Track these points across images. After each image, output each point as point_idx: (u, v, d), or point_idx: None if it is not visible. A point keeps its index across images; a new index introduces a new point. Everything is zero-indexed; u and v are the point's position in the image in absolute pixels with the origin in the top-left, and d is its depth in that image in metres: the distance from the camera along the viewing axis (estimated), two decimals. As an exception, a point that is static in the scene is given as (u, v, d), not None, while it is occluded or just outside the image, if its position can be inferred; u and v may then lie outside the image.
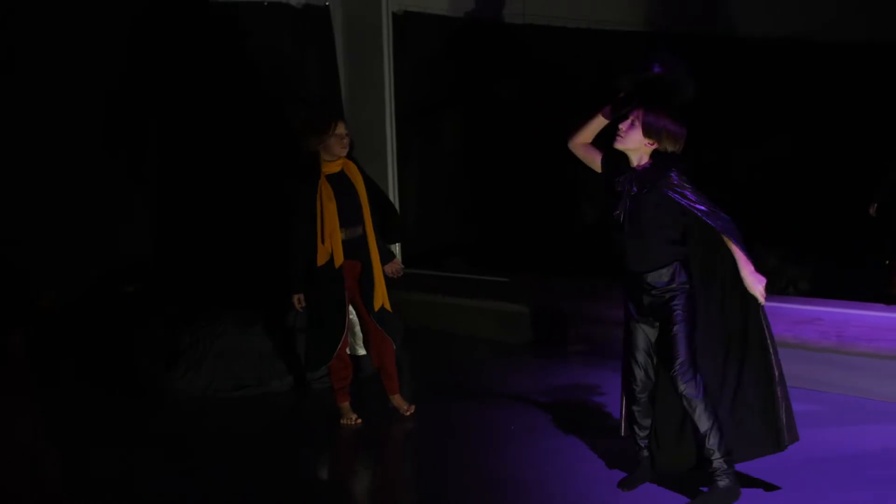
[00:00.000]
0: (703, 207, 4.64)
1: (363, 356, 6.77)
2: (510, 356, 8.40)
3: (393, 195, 10.75)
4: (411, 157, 10.96)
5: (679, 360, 4.62)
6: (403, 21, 11.01)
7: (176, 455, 6.09)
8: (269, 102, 10.24)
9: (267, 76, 10.29)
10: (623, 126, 4.74)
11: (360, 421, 6.42)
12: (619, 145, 4.77)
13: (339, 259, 6.14)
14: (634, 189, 4.73)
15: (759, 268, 4.76)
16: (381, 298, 6.32)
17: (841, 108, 12.43)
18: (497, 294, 9.28)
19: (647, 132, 4.70)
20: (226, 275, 9.53)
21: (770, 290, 4.88)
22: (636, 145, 4.75)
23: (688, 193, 4.67)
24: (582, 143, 5.02)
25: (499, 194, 11.78)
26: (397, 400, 6.55)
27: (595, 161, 4.98)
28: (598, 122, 4.94)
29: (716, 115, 11.77)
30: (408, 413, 6.47)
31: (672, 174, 4.69)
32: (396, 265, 6.49)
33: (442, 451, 5.91)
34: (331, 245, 6.13)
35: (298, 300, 6.22)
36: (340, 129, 6.17)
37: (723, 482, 4.65)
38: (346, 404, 6.46)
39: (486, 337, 8.90)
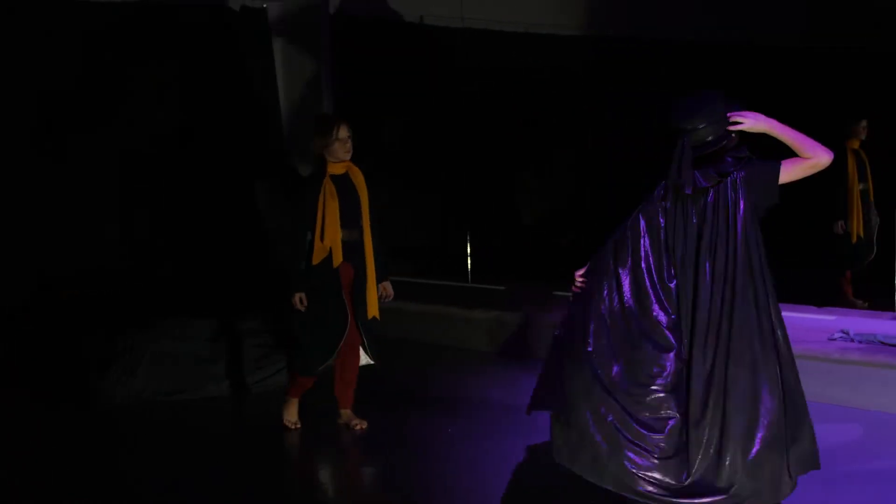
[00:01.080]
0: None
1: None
2: (464, 362, 8.45)
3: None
4: (352, 160, 10.95)
5: None
6: (342, 24, 11.01)
7: (114, 462, 6.01)
8: (208, 105, 10.19)
9: (204, 79, 10.24)
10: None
11: (299, 426, 6.37)
12: None
13: (339, 258, 6.03)
14: None
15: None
16: (373, 307, 6.18)
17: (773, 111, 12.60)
18: (447, 299, 9.33)
19: None
20: (166, 280, 9.48)
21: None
22: None
23: None
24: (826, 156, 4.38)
25: (441, 197, 11.83)
26: (348, 415, 6.40)
27: None
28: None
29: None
30: (358, 428, 6.31)
31: None
32: (388, 289, 6.29)
33: (384, 457, 5.93)
34: (330, 244, 6.03)
35: (300, 299, 6.05)
36: (343, 132, 6.09)
37: None
38: (295, 400, 6.38)
39: (437, 342, 8.95)
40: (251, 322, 7.92)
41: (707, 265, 4.34)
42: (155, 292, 9.07)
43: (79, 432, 6.66)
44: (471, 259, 11.05)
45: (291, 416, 6.41)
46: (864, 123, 8.99)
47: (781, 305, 4.49)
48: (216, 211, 10.12)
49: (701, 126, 4.37)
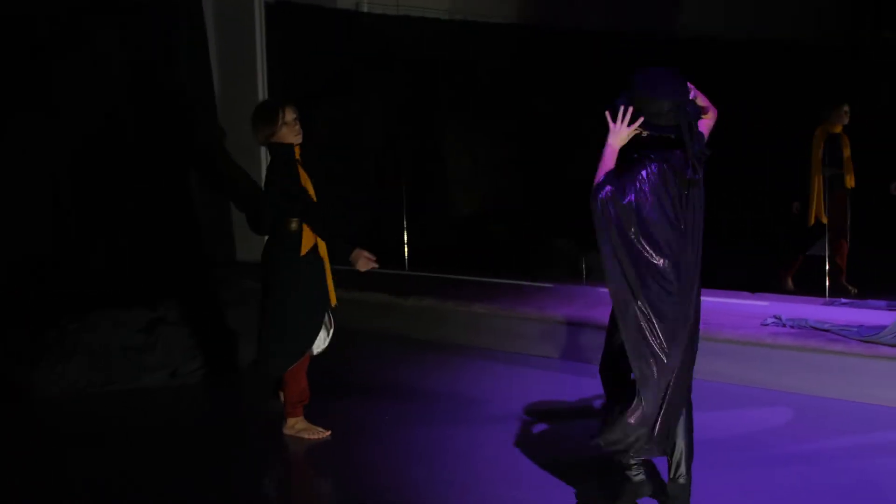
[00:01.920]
0: None
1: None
2: (402, 351, 8.44)
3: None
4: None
5: None
6: (276, 10, 10.92)
7: (51, 458, 5.87)
8: (139, 91, 10.04)
9: (135, 64, 10.09)
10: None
11: (329, 433, 5.96)
12: None
13: (324, 247, 5.77)
14: None
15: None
16: (333, 294, 5.97)
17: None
18: (389, 288, 9.30)
19: None
20: (96, 271, 9.34)
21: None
22: None
23: None
24: None
25: (374, 187, 11.80)
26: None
27: None
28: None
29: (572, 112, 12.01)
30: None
31: None
32: (362, 253, 5.81)
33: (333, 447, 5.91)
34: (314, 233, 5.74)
35: (367, 255, 5.71)
36: (290, 115, 5.75)
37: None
38: (300, 418, 5.96)
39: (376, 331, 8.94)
40: (183, 312, 7.84)
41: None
42: (85, 283, 8.92)
43: (11, 427, 6.52)
44: (408, 247, 11.04)
45: (308, 427, 5.97)
46: (845, 108, 8.99)
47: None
48: (146, 199, 9.98)
49: (692, 96, 4.39)
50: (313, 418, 6.00)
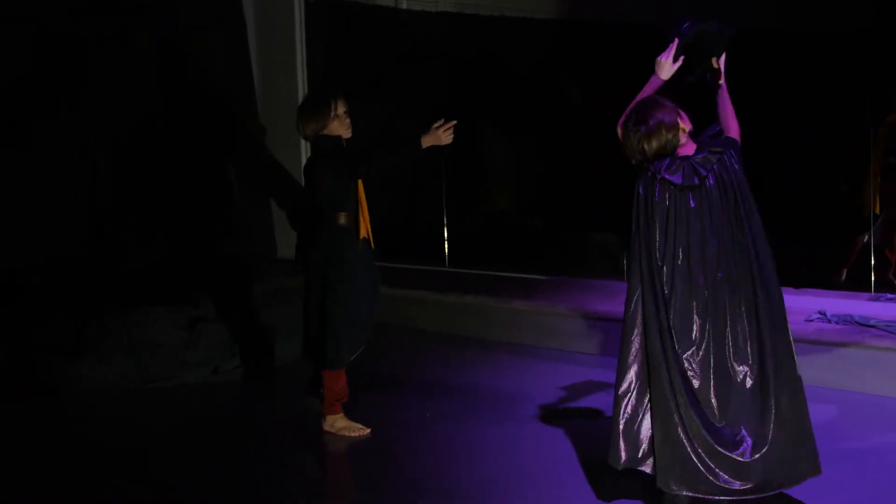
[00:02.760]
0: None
1: None
2: (441, 346, 8.44)
3: (306, 183, 10.69)
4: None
5: None
6: (316, 6, 10.94)
7: (96, 453, 5.90)
8: (177, 89, 10.10)
9: (174, 62, 10.14)
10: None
11: (369, 431, 5.93)
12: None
13: (372, 242, 5.75)
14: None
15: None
16: None
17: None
18: (430, 285, 9.30)
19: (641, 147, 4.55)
20: (137, 268, 9.40)
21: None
22: None
23: None
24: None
25: (416, 183, 11.80)
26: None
27: None
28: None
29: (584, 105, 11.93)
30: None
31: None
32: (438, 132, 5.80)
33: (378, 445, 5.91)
34: (367, 226, 5.70)
35: (444, 129, 5.61)
36: (341, 107, 5.67)
37: None
38: (340, 415, 5.90)
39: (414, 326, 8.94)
40: (224, 309, 7.86)
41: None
42: (125, 280, 8.98)
43: (49, 421, 6.57)
44: (448, 244, 11.02)
45: (348, 425, 5.92)
46: None
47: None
48: (186, 197, 10.03)
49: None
50: (354, 415, 6.00)
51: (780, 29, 12.70)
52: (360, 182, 5.68)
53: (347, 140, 5.77)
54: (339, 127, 5.68)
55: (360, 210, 5.68)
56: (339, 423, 5.92)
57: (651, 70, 4.74)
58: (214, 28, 10.57)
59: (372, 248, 5.75)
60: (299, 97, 10.60)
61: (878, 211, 8.86)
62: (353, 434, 5.88)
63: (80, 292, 8.34)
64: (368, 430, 5.92)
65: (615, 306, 7.85)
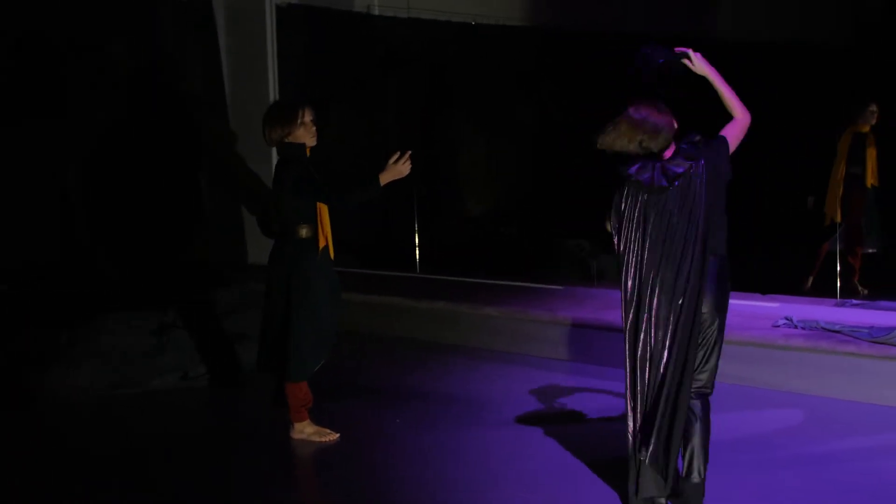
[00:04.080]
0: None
1: None
2: (411, 353, 8.45)
3: (277, 190, 10.69)
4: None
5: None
6: (287, 13, 10.95)
7: (68, 461, 5.87)
8: (148, 96, 10.08)
9: (145, 68, 10.13)
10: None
11: (338, 436, 5.94)
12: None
13: (332, 251, 5.77)
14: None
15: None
16: None
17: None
18: (401, 291, 9.31)
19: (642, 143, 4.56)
20: (106, 274, 9.37)
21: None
22: None
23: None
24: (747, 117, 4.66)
25: (386, 189, 11.79)
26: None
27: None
28: (720, 83, 4.68)
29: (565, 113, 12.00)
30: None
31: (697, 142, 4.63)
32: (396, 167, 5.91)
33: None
34: (327, 236, 5.72)
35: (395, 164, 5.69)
36: (308, 116, 5.69)
37: None
38: (307, 421, 5.91)
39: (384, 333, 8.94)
40: (193, 315, 7.86)
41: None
42: (96, 286, 8.95)
43: (20, 429, 6.53)
44: (419, 250, 11.05)
45: (317, 430, 5.93)
46: (872, 108, 8.95)
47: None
48: (156, 203, 10.02)
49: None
50: (325, 421, 6.01)
51: (750, 41, 12.86)
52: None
53: (312, 149, 5.80)
54: (305, 135, 5.71)
55: (319, 222, 5.70)
56: (307, 430, 5.94)
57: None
58: (186, 36, 10.56)
59: (331, 257, 5.77)
60: (269, 103, 10.61)
61: (839, 220, 8.98)
62: (322, 439, 5.90)
63: (50, 298, 8.31)
64: (337, 435, 5.94)
65: (586, 312, 7.90)
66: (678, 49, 4.64)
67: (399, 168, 5.72)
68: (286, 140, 5.69)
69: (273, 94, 10.71)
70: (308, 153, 5.77)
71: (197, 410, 7.02)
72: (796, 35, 13.06)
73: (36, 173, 9.42)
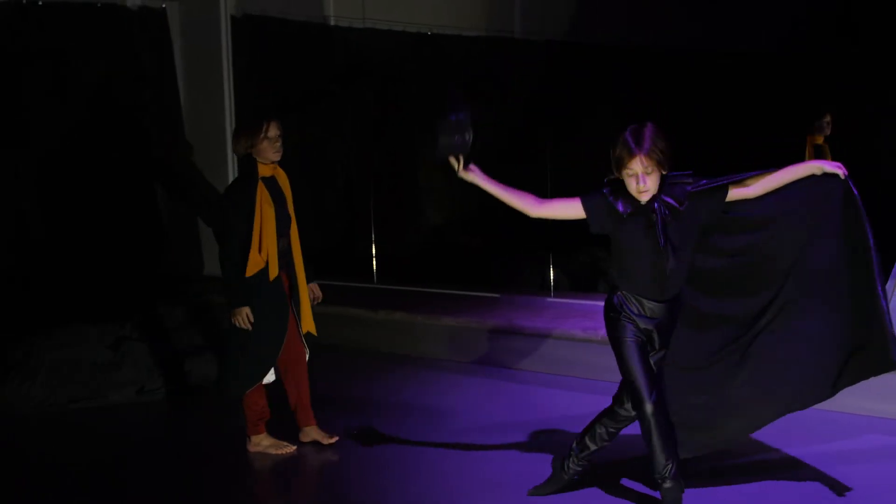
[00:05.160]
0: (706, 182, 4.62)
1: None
2: (370, 364, 8.42)
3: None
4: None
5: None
6: (243, 24, 10.89)
7: (36, 477, 5.79)
8: (104, 106, 10.00)
9: (100, 79, 10.05)
10: (641, 182, 4.45)
11: (295, 448, 5.93)
12: (647, 198, 4.51)
13: (275, 270, 5.62)
14: (667, 213, 4.52)
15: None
16: (308, 321, 5.90)
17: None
18: (359, 301, 9.27)
19: (663, 165, 4.49)
20: (61, 287, 9.27)
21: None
22: (657, 183, 4.52)
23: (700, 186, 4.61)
24: (536, 206, 4.74)
25: (345, 198, 11.78)
26: (315, 431, 6.04)
27: (569, 213, 4.70)
28: (492, 186, 4.90)
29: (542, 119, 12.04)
30: (329, 442, 5.98)
31: (688, 184, 4.59)
32: (317, 290, 6.03)
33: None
34: (266, 255, 5.59)
35: (247, 315, 5.58)
36: (273, 130, 5.66)
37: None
38: (264, 434, 5.89)
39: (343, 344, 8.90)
40: (150, 328, 7.80)
41: None
42: (50, 299, 8.85)
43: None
44: (376, 261, 11.02)
45: (273, 443, 5.90)
46: (827, 119, 8.99)
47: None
48: (112, 215, 9.94)
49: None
50: (281, 433, 5.98)
51: (713, 48, 12.98)
52: (257, 209, 5.60)
53: (277, 163, 5.77)
54: (268, 149, 5.68)
55: (256, 239, 5.61)
56: (263, 442, 5.90)
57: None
58: (141, 46, 10.48)
59: (269, 278, 5.65)
60: (226, 114, 10.56)
61: None
62: (278, 451, 5.87)
63: (4, 312, 8.22)
64: (294, 448, 5.91)
65: (543, 322, 7.91)
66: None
67: (240, 319, 5.63)
68: (250, 151, 5.68)
69: (229, 104, 10.65)
70: (272, 170, 5.74)
71: (153, 424, 6.97)
72: (752, 43, 13.21)
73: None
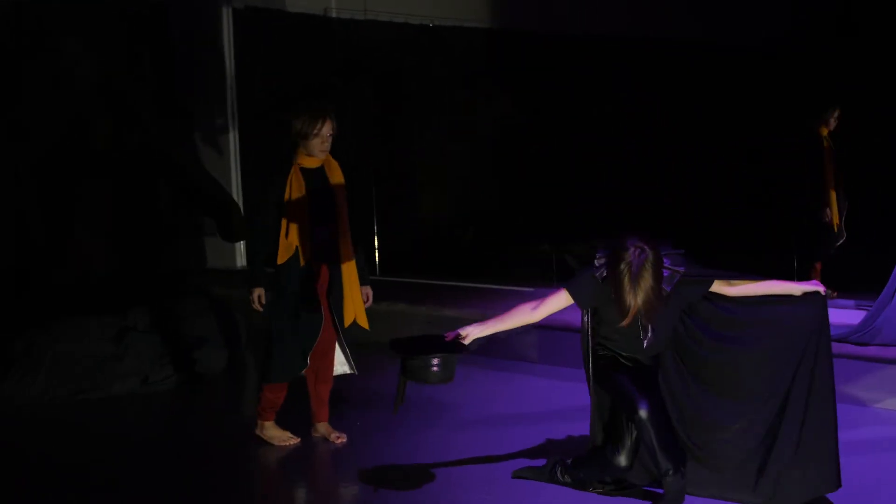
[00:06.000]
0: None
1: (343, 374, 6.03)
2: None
3: (236, 194, 10.66)
4: (255, 156, 10.87)
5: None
6: (244, 16, 10.89)
7: (49, 471, 5.78)
8: (105, 101, 10.01)
9: (101, 74, 10.05)
10: (650, 328, 4.67)
11: (297, 440, 5.89)
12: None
13: (306, 257, 5.54)
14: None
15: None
16: (352, 312, 5.73)
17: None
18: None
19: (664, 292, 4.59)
20: (63, 279, 9.30)
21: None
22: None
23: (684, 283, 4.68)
24: (534, 314, 4.86)
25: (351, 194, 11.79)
26: (325, 427, 5.98)
27: (562, 304, 4.81)
28: (490, 329, 4.94)
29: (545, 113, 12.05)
30: (338, 441, 5.91)
31: (679, 273, 4.65)
32: (368, 292, 5.91)
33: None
34: (295, 241, 5.54)
35: (259, 297, 5.64)
36: (327, 129, 5.59)
37: None
38: (271, 423, 5.88)
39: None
40: (153, 320, 7.82)
41: None
42: (54, 292, 8.87)
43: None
44: (379, 252, 11.04)
45: (278, 434, 5.88)
46: (836, 113, 9.01)
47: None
48: (115, 208, 9.95)
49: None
50: (284, 424, 5.99)
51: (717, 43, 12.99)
52: (286, 195, 5.59)
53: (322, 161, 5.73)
54: (316, 146, 5.63)
55: (283, 225, 5.59)
56: (268, 432, 5.92)
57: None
58: (142, 40, 10.48)
59: (300, 265, 5.59)
60: (228, 108, 10.58)
61: (837, 221, 9.03)
62: (282, 443, 5.88)
63: (7, 305, 8.24)
64: (298, 440, 5.92)
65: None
66: (450, 336, 4.84)
67: (254, 303, 5.74)
68: (297, 141, 5.64)
69: (231, 98, 10.66)
70: (320, 161, 5.70)
71: (156, 415, 7.00)
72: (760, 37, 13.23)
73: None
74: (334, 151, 5.81)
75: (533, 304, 4.81)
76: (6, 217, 9.47)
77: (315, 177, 5.66)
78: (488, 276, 9.95)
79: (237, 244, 10.62)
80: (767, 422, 4.73)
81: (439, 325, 8.40)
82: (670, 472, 4.61)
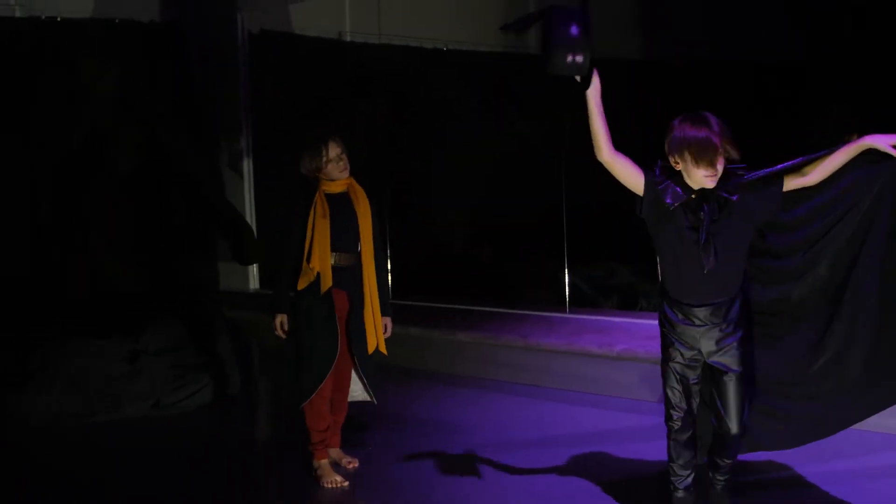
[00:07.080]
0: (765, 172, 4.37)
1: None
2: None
3: (250, 217, 10.68)
4: (270, 178, 10.90)
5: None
6: (260, 40, 10.95)
7: (61, 489, 5.80)
8: (122, 121, 10.06)
9: (118, 94, 10.10)
10: (711, 168, 4.19)
11: (346, 484, 5.63)
12: (713, 183, 4.24)
13: (327, 283, 5.50)
14: (717, 208, 4.28)
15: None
16: (374, 340, 5.73)
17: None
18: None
19: (729, 151, 4.24)
20: (78, 298, 9.31)
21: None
22: (722, 169, 4.25)
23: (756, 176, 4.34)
24: (611, 150, 4.37)
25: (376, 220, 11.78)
26: (337, 453, 5.93)
27: (629, 180, 4.40)
28: (597, 108, 4.40)
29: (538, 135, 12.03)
30: (350, 466, 5.87)
31: (741, 176, 4.32)
32: (388, 324, 5.89)
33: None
34: (317, 267, 5.52)
35: (281, 323, 5.64)
36: (334, 150, 5.62)
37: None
38: (325, 461, 5.71)
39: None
40: (165, 342, 7.81)
41: None
42: (66, 311, 8.88)
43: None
44: (391, 275, 11.03)
45: (329, 476, 5.64)
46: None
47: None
48: (129, 227, 9.98)
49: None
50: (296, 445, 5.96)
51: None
52: (309, 221, 5.56)
53: (355, 179, 5.76)
54: (334, 170, 5.63)
55: (305, 251, 5.58)
56: (320, 471, 5.69)
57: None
58: (158, 59, 10.54)
59: (322, 292, 5.54)
60: (242, 129, 10.62)
61: None
62: (327, 484, 5.61)
63: (20, 321, 8.25)
64: (346, 483, 5.64)
65: (557, 338, 7.90)
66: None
67: (276, 329, 5.73)
68: (318, 175, 5.63)
69: (246, 119, 10.69)
70: (344, 185, 5.70)
71: (168, 439, 6.97)
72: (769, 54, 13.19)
73: (5, 193, 9.39)
74: (353, 173, 5.79)
75: (616, 151, 4.39)
76: (21, 230, 9.51)
77: (339, 202, 5.65)
78: (502, 299, 9.92)
79: (250, 267, 10.63)
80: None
81: (452, 349, 8.41)
82: (681, 488, 4.63)
